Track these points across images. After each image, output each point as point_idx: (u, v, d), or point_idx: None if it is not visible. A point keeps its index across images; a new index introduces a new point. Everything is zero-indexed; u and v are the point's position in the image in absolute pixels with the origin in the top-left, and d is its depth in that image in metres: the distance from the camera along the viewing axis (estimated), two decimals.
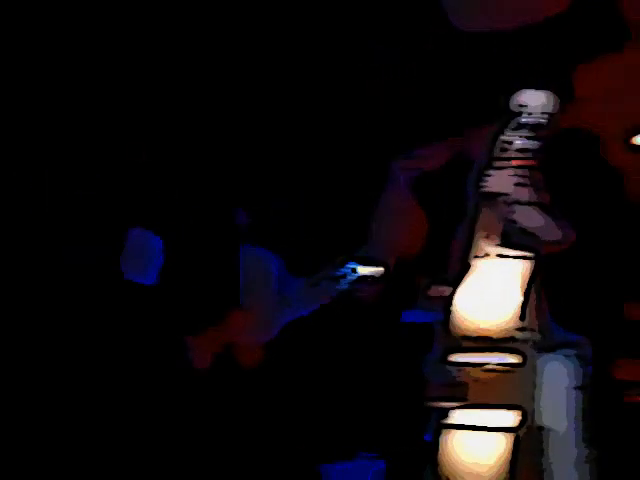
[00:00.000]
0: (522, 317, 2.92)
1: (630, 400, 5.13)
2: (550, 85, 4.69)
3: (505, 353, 2.93)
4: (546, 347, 3.17)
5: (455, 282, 3.19)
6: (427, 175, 4.48)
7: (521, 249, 3.11)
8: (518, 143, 3.24)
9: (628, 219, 5.57)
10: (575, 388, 3.19)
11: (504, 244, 3.13)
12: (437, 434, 3.07)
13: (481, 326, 2.99)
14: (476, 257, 3.18)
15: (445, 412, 3.07)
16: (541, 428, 3.09)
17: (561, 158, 3.75)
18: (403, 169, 4.52)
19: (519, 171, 3.23)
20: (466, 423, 2.99)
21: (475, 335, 3.00)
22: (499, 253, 3.13)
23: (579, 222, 3.39)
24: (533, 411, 3.05)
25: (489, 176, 3.21)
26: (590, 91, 5.92)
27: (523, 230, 3.18)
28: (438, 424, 3.08)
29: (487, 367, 2.96)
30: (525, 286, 2.98)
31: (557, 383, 3.14)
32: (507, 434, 2.89)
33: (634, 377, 5.22)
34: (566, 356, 3.26)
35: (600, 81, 5.84)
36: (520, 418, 2.90)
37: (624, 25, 4.92)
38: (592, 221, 3.93)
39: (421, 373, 3.33)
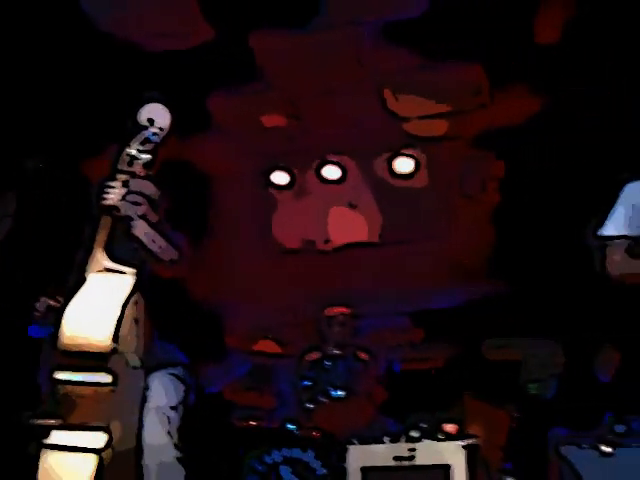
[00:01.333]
0: (116, 333, 2.85)
1: (240, 424, 5.35)
2: (185, 110, 4.70)
3: (101, 372, 2.85)
4: (150, 365, 3.16)
5: (69, 295, 3.05)
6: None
7: (128, 265, 3.07)
8: (142, 157, 3.21)
9: None
10: (176, 406, 3.23)
11: (112, 258, 3.06)
12: (36, 452, 2.90)
13: (82, 341, 2.88)
14: (92, 270, 3.08)
15: (44, 430, 2.91)
16: (140, 444, 3.06)
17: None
18: None
19: (139, 184, 3.20)
20: (60, 442, 2.86)
21: (76, 350, 2.88)
22: (108, 267, 3.05)
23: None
24: (131, 428, 3.01)
25: (110, 188, 3.14)
26: (225, 123, 6.12)
27: (138, 246, 3.14)
28: (37, 442, 2.91)
29: (84, 386, 2.86)
30: (124, 302, 2.93)
31: (159, 400, 3.16)
32: (95, 454, 2.81)
33: (241, 400, 5.49)
34: (170, 374, 3.29)
35: (235, 115, 6.06)
36: (108, 438, 2.84)
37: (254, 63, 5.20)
38: None
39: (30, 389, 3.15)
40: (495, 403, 5.46)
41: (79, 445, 2.80)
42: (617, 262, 3.54)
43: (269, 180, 6.43)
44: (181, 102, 4.41)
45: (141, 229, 3.19)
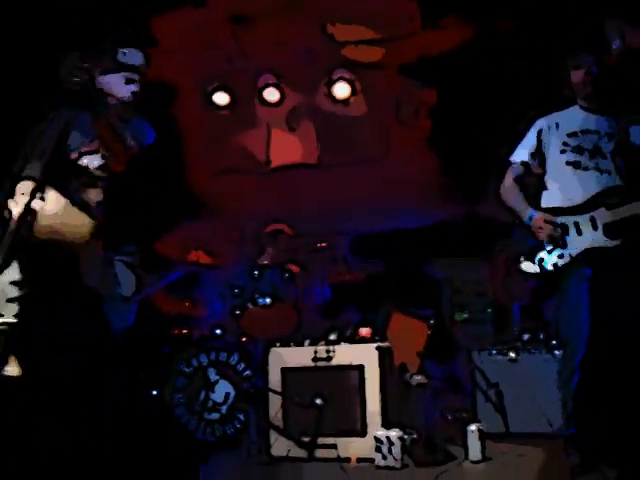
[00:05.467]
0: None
1: (174, 333, 5.60)
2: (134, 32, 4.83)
3: None
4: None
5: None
6: None
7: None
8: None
9: None
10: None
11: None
12: None
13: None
14: None
15: None
16: None
17: None
18: None
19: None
20: None
21: None
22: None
23: None
24: None
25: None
26: (170, 42, 6.22)
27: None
28: None
29: None
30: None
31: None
32: None
33: (176, 311, 5.74)
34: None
35: (179, 33, 6.17)
36: None
37: None
38: None
39: None
40: (415, 314, 5.76)
41: None
42: (506, 186, 4.06)
43: (211, 100, 6.58)
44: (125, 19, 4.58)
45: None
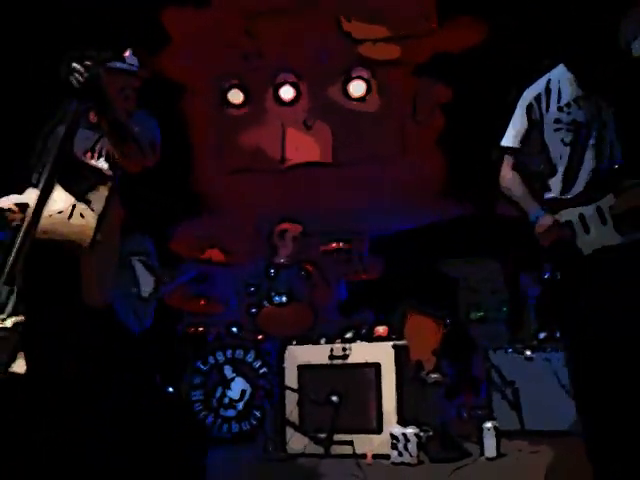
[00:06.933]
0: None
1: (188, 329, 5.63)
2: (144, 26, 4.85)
3: None
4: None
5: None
6: None
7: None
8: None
9: None
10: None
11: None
12: None
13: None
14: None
15: None
16: None
17: None
18: None
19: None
20: None
21: None
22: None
23: None
24: None
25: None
26: (183, 40, 6.24)
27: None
28: None
29: None
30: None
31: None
32: None
33: (192, 309, 5.77)
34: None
35: (192, 31, 6.19)
36: None
37: None
38: None
39: None
40: (431, 313, 5.77)
41: None
42: (507, 177, 3.42)
43: (226, 99, 6.60)
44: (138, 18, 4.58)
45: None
